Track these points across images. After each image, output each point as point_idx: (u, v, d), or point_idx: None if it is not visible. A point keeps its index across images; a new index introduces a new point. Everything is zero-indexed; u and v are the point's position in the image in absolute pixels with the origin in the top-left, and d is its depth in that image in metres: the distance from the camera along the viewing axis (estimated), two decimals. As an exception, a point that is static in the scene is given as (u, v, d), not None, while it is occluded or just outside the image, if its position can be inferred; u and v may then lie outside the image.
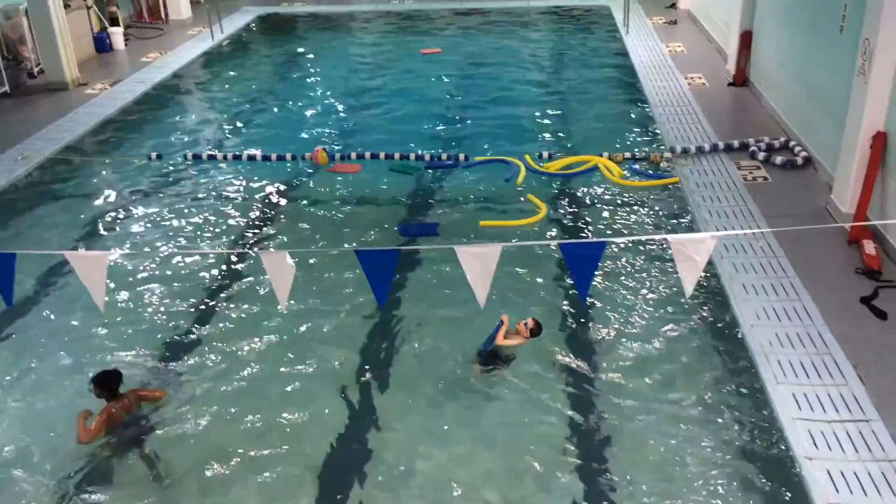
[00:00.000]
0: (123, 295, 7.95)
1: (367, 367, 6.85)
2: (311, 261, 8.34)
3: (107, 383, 6.09)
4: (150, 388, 6.55)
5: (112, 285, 7.90)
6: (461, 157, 10.99)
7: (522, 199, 9.78)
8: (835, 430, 5.71)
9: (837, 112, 9.03)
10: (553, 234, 8.98)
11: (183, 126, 13.05)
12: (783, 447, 5.67)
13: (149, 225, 9.52)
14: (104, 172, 11.14)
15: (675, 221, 9.06)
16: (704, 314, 7.31)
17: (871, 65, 7.89)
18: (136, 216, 9.78)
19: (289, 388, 6.60)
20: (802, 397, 6.03)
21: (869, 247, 7.81)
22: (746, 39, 12.99)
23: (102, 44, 17.13)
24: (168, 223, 9.53)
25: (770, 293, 7.37)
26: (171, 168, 11.22)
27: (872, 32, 7.87)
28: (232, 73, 16.07)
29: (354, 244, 8.75)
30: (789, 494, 5.33)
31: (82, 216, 9.83)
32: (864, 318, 6.99)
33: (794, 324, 6.91)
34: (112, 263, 8.23)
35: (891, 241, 7.86)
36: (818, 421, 5.80)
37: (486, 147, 11.51)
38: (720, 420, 6.04)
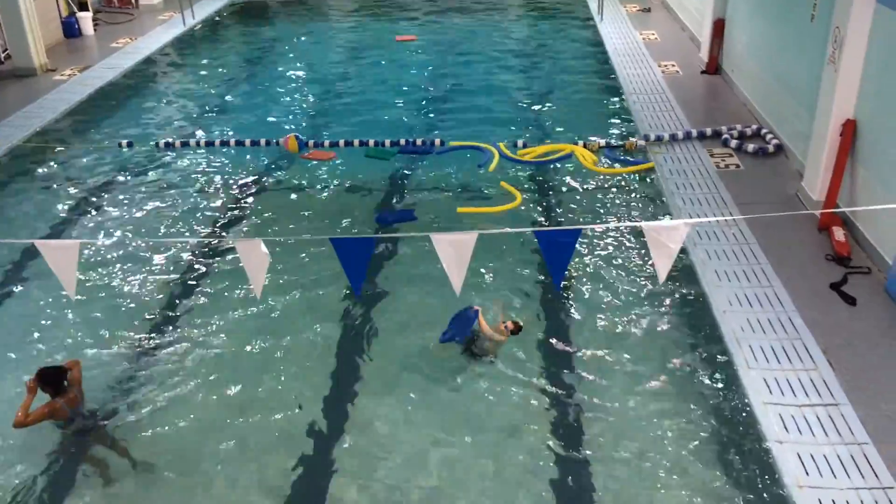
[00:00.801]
0: (94, 283, 7.85)
1: (342, 353, 6.84)
2: (287, 248, 8.29)
3: (49, 379, 5.87)
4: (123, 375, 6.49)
5: (82, 274, 7.80)
6: (436, 142, 10.98)
7: (497, 186, 9.79)
8: (805, 414, 5.80)
9: (808, 100, 9.13)
10: (529, 221, 9.00)
11: (154, 113, 12.87)
12: (755, 431, 5.75)
13: (120, 212, 9.39)
14: (74, 160, 10.96)
15: (649, 208, 9.12)
16: (678, 300, 7.38)
17: (841, 53, 7.98)
18: (106, 204, 9.65)
19: (262, 376, 6.57)
20: (773, 382, 6.12)
21: (838, 233, 7.92)
22: (719, 27, 13.07)
23: (71, 29, 16.82)
24: (139, 211, 9.42)
25: (742, 279, 7.45)
26: (142, 155, 11.06)
27: (842, 21, 7.95)
28: (204, 59, 15.87)
29: (331, 232, 8.72)
30: (761, 477, 5.41)
31: (51, 204, 9.68)
32: (833, 304, 7.10)
33: (766, 310, 7.00)
34: (86, 251, 8.19)
35: (860, 227, 7.98)
36: (789, 405, 5.89)
37: (460, 134, 11.49)
38: (693, 405, 6.11)
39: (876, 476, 5.26)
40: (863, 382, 6.12)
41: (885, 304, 7.05)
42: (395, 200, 9.60)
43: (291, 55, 16.15)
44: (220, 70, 15.11)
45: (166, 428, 6.07)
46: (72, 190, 10.06)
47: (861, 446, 5.51)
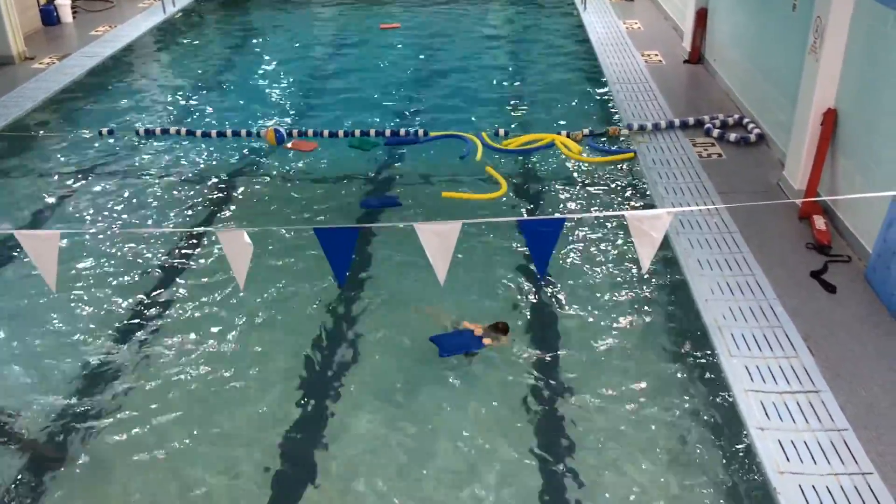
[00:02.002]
0: (76, 273, 7.79)
1: (327, 344, 6.83)
2: (270, 239, 8.26)
3: None
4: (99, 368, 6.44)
5: (64, 264, 7.73)
6: (420, 132, 10.95)
7: (483, 174, 9.80)
8: (786, 401, 5.87)
9: (790, 90, 9.18)
10: (512, 210, 9.01)
11: (134, 101, 12.74)
12: (736, 418, 5.81)
13: (100, 202, 9.31)
14: (53, 149, 10.84)
15: (632, 198, 9.15)
16: (661, 289, 7.43)
17: (823, 43, 8.03)
18: (87, 193, 9.55)
19: (246, 367, 6.55)
20: (755, 369, 6.18)
21: (819, 222, 7.99)
22: (702, 17, 13.10)
23: (49, 16, 16.59)
24: (120, 200, 9.34)
25: (724, 268, 7.51)
26: (122, 144, 10.96)
27: (824, 10, 7.99)
28: (184, 47, 15.71)
29: (314, 222, 8.69)
30: (742, 464, 5.47)
31: (31, 194, 9.58)
32: (814, 292, 7.17)
33: (747, 298, 7.06)
34: (68, 241, 8.11)
35: (840, 216, 8.05)
36: (770, 392, 5.95)
37: (444, 123, 11.46)
38: (675, 392, 6.16)
39: (855, 462, 5.33)
40: (842, 369, 6.20)
41: (865, 291, 7.13)
42: (379, 190, 9.57)
43: (273, 43, 16.03)
44: (201, 58, 14.96)
45: (139, 422, 6.04)
46: (52, 179, 9.96)
47: (841, 432, 5.58)
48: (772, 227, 8.19)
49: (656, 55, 13.98)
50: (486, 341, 6.58)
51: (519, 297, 7.39)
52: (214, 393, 6.29)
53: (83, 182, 9.86)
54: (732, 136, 10.30)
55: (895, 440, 5.53)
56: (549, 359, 6.57)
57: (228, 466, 5.61)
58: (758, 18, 10.84)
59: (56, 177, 10.02)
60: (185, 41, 16.10)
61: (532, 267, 7.63)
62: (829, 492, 5.11)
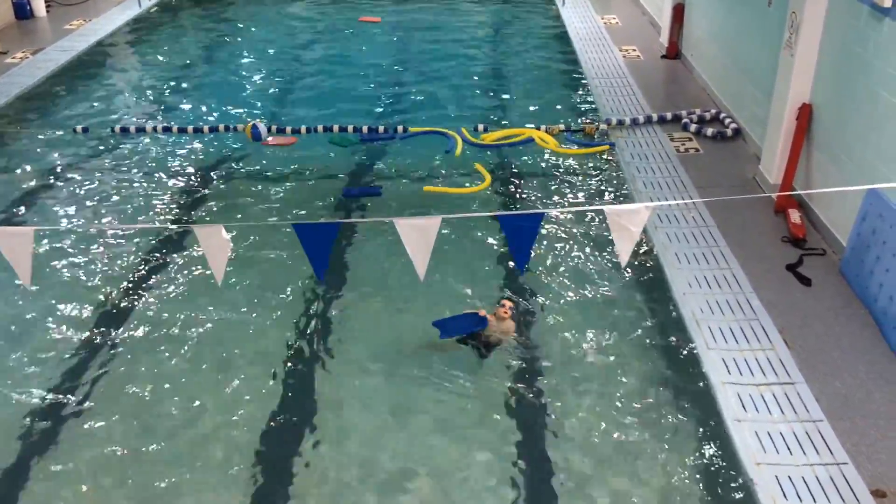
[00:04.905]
0: (51, 271, 7.70)
1: (306, 339, 6.81)
2: (248, 235, 8.21)
3: None
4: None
5: (39, 261, 7.65)
6: (399, 128, 10.93)
7: (463, 169, 9.80)
8: (762, 392, 5.93)
9: (765, 84, 9.27)
10: (491, 204, 9.01)
11: (109, 97, 12.59)
12: (714, 410, 5.86)
13: (75, 200, 9.20)
14: (27, 145, 10.69)
15: (610, 192, 9.19)
16: (639, 283, 7.48)
17: (798, 38, 8.10)
18: (61, 191, 9.44)
19: (225, 364, 6.51)
20: (732, 362, 6.24)
21: (794, 216, 8.08)
22: (679, 12, 13.18)
23: (23, 10, 16.34)
24: (95, 197, 9.23)
25: (701, 262, 7.57)
26: (97, 141, 10.84)
27: (799, 6, 8.07)
28: (161, 42, 15.54)
29: (293, 217, 8.65)
30: (719, 455, 5.53)
31: (4, 191, 9.44)
32: (789, 285, 7.25)
33: (724, 291, 7.13)
34: (42, 239, 8.02)
35: (815, 210, 8.14)
36: (747, 384, 6.01)
37: (423, 119, 11.45)
38: (653, 385, 6.20)
39: (830, 452, 5.40)
40: (817, 361, 6.28)
41: (839, 284, 7.22)
42: (360, 185, 9.55)
43: (251, 38, 15.89)
44: (178, 53, 14.81)
45: (116, 416, 6.00)
46: (25, 176, 9.82)
47: (816, 423, 5.65)
48: (748, 220, 8.27)
49: (634, 50, 14.05)
50: (483, 313, 6.54)
51: (497, 289, 7.40)
52: (188, 393, 6.26)
53: (58, 179, 9.74)
54: (709, 131, 10.38)
55: (869, 430, 5.61)
56: (526, 352, 6.59)
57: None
58: (734, 14, 10.93)
59: (29, 173, 9.89)
60: (161, 35, 15.93)
61: (511, 264, 7.65)
62: (805, 482, 5.17)
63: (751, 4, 10.13)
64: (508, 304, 6.63)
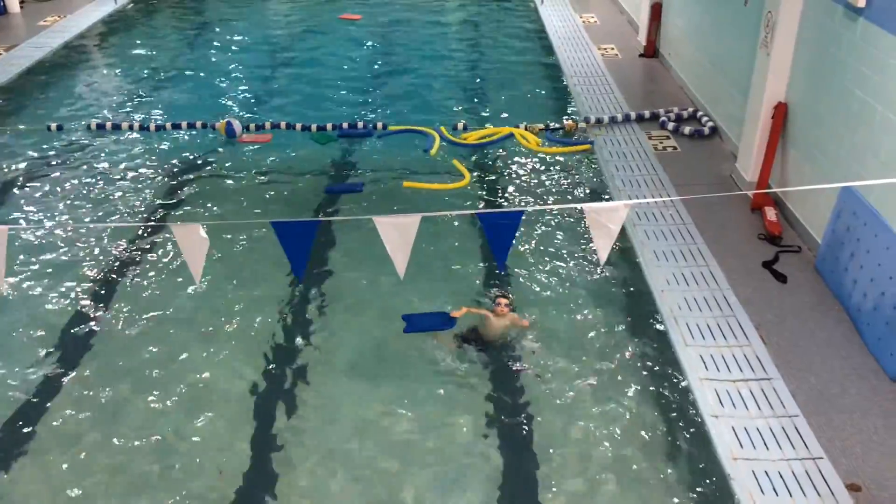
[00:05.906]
0: (26, 271, 7.60)
1: (286, 340, 6.79)
2: (226, 233, 8.15)
3: None
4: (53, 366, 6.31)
5: (11, 259, 7.56)
6: (378, 125, 10.90)
7: (443, 167, 9.79)
8: (739, 388, 5.99)
9: (742, 83, 9.35)
10: (471, 202, 9.02)
11: (85, 94, 12.44)
12: (692, 406, 5.91)
13: (50, 198, 9.08)
14: (0, 143, 10.55)
15: (589, 190, 9.23)
16: (618, 280, 7.52)
17: (773, 37, 8.18)
18: (36, 189, 9.30)
19: (202, 365, 6.47)
20: (709, 358, 6.30)
21: (770, 213, 8.16)
22: (657, 11, 13.25)
23: (-5, 6, 16.15)
24: (70, 196, 9.12)
25: (679, 259, 7.62)
26: (72, 139, 10.70)
27: (774, 5, 8.15)
28: (137, 38, 15.37)
29: (272, 216, 8.60)
30: (697, 450, 5.57)
31: (-23, 189, 9.33)
32: (765, 282, 7.32)
33: (702, 288, 7.19)
34: (17, 239, 7.91)
35: (790, 207, 8.23)
36: (724, 381, 6.07)
37: (402, 116, 11.43)
38: (631, 382, 6.24)
39: (806, 447, 5.47)
40: (793, 357, 6.35)
41: (814, 281, 7.31)
42: (339, 182, 9.52)
43: (229, 34, 15.74)
44: (154, 50, 14.65)
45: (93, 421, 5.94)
46: (-1, 174, 9.71)
47: (792, 419, 5.71)
48: (725, 218, 8.34)
49: (612, 49, 14.11)
50: (456, 314, 6.60)
51: (477, 286, 7.41)
52: (169, 385, 6.21)
53: (32, 178, 9.60)
54: (687, 130, 10.45)
55: (844, 425, 5.69)
56: (500, 347, 6.60)
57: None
58: (711, 13, 11.01)
59: (3, 172, 9.74)
60: (137, 31, 15.75)
61: (493, 262, 7.66)
62: (781, 477, 5.23)
63: (727, 4, 10.20)
64: (504, 300, 6.67)
